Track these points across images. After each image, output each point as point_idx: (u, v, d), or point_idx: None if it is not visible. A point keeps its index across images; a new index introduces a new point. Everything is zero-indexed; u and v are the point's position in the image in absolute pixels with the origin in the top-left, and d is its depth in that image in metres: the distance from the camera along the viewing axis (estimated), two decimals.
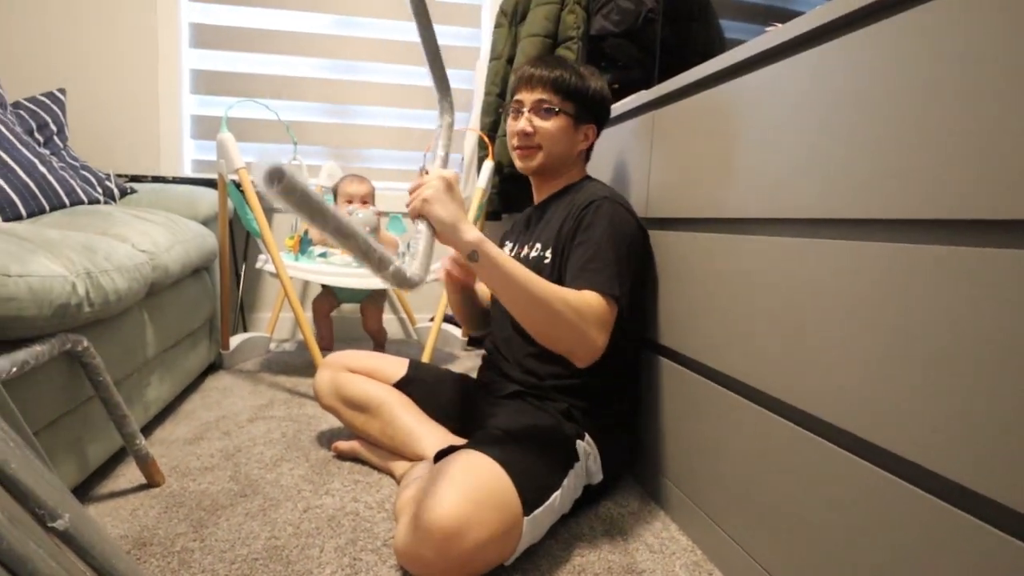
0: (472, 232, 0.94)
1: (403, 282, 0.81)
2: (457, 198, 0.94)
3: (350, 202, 2.03)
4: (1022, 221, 0.54)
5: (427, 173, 0.95)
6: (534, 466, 0.98)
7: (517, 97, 1.23)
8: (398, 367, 1.36)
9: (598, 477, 1.13)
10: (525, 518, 0.91)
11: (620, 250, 1.09)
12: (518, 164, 1.27)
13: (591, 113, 1.24)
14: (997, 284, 0.55)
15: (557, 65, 1.21)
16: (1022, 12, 0.54)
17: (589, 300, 1.03)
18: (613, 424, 1.19)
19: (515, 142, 1.24)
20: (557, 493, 0.99)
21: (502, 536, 0.87)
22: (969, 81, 0.58)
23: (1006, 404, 0.54)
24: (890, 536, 0.66)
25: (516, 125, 1.23)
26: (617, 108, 1.40)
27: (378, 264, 0.75)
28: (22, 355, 0.83)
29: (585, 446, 1.10)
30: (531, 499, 0.93)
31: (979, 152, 0.57)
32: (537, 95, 1.20)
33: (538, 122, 1.20)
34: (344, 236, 0.69)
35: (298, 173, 0.70)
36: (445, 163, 1.07)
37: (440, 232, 0.93)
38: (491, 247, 0.95)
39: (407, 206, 0.95)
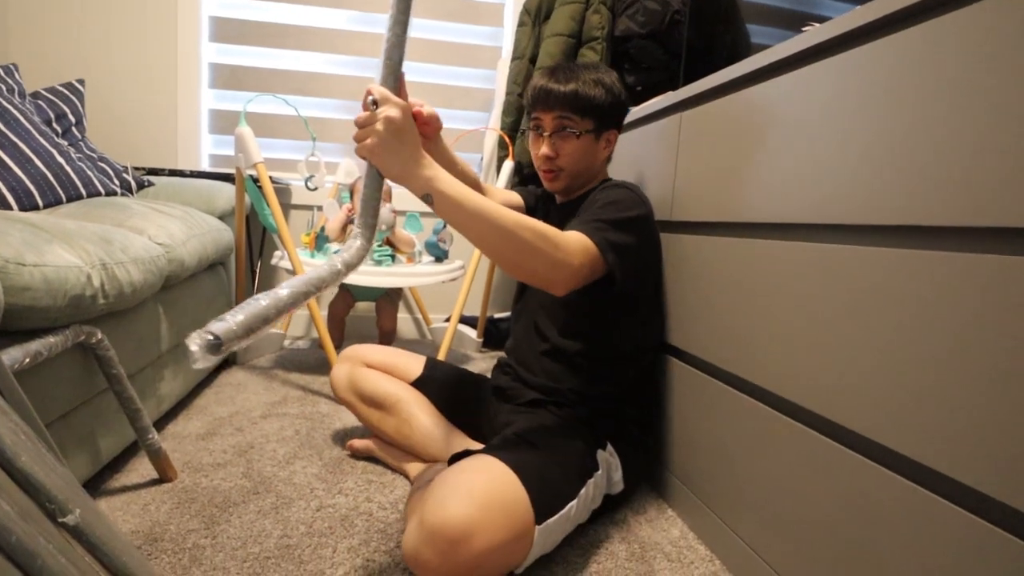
0: (425, 173, 0.84)
1: (355, 265, 0.79)
2: (409, 138, 0.83)
3: None
4: None
5: (375, 105, 0.81)
6: (550, 474, 0.95)
7: (535, 115, 1.20)
8: (415, 364, 1.34)
9: (619, 487, 1.11)
10: (537, 527, 0.88)
11: (615, 215, 1.05)
12: (546, 186, 1.26)
13: (611, 120, 1.20)
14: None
15: (572, 77, 1.16)
16: None
17: (565, 233, 0.96)
18: (636, 433, 1.17)
19: (540, 164, 1.22)
20: (573, 503, 0.96)
21: (510, 544, 0.84)
22: (1007, 87, 0.55)
23: None
24: (914, 546, 0.63)
25: (539, 148, 1.20)
26: (642, 110, 1.38)
27: (329, 282, 0.74)
28: (35, 346, 0.82)
29: (607, 456, 1.08)
30: (544, 508, 0.90)
31: (1004, 159, 0.54)
32: (555, 114, 1.17)
33: (559, 145, 1.18)
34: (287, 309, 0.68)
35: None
36: (396, 74, 0.84)
37: (390, 177, 0.84)
38: (444, 184, 0.84)
39: (353, 138, 0.84)
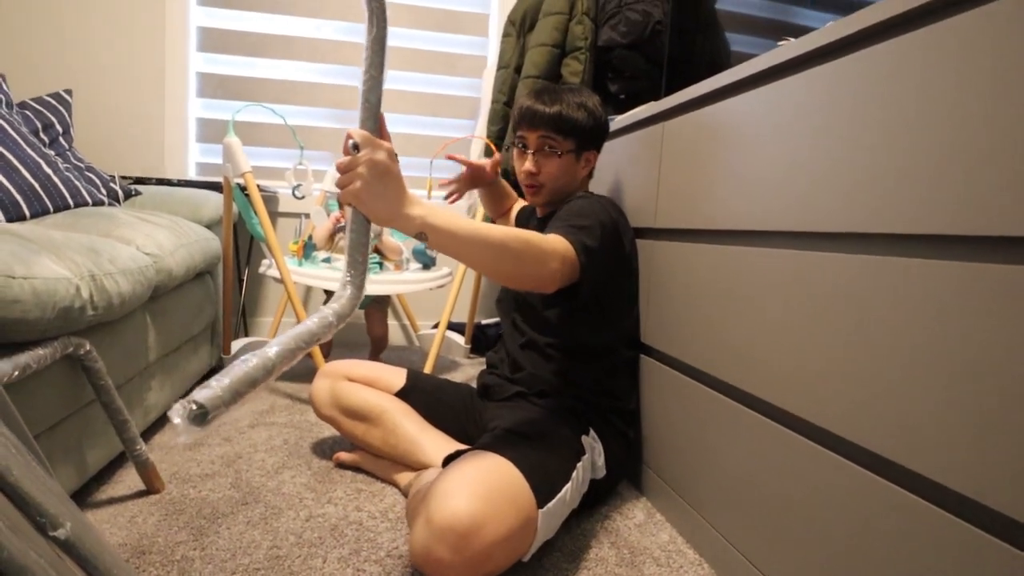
0: (415, 212, 0.82)
1: (347, 315, 0.76)
2: (394, 180, 0.79)
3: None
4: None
5: (356, 149, 0.78)
6: (543, 460, 0.99)
7: (520, 133, 1.26)
8: (397, 376, 1.35)
9: (602, 472, 1.16)
10: (540, 511, 0.91)
11: (580, 221, 1.09)
12: (528, 199, 1.32)
13: (591, 141, 1.26)
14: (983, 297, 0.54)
15: (556, 100, 1.22)
16: None
17: (546, 236, 1.00)
18: (615, 420, 1.23)
19: (523, 179, 1.28)
20: (568, 486, 1.00)
21: (519, 531, 0.87)
22: (995, 98, 0.57)
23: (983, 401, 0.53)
24: (897, 544, 0.64)
25: (523, 164, 1.26)
26: (626, 119, 1.40)
27: (320, 336, 0.71)
28: (24, 358, 0.82)
29: (590, 440, 1.14)
30: (544, 492, 0.93)
31: (995, 168, 0.56)
32: (539, 133, 1.23)
33: (541, 162, 1.24)
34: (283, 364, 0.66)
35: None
36: (376, 116, 0.82)
37: (378, 222, 0.81)
38: (436, 219, 0.83)
39: (336, 185, 0.81)
